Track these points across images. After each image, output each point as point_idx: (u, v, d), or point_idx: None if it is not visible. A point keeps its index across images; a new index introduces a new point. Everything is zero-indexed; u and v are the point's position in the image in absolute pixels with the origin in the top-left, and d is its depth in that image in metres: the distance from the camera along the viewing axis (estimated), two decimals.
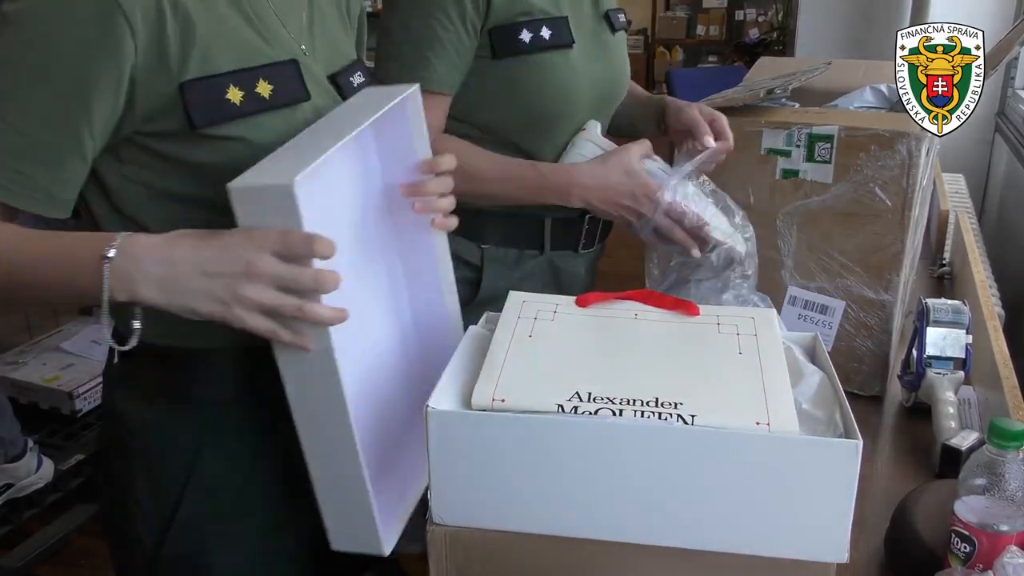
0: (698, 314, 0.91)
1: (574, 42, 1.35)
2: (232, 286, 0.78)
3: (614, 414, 0.76)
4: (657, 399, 0.77)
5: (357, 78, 1.05)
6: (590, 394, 0.78)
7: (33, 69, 0.81)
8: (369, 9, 4.24)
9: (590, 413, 0.77)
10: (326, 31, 1.03)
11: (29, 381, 2.74)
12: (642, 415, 0.76)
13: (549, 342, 0.87)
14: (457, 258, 1.46)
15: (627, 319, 0.91)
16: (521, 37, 1.31)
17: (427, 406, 0.80)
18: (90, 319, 2.95)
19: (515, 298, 0.96)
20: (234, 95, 0.87)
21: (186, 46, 0.85)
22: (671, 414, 0.76)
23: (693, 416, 0.76)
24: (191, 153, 0.88)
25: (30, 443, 2.45)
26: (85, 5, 0.80)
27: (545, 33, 1.32)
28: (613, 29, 1.45)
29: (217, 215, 0.91)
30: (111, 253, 0.79)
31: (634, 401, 0.77)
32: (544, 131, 1.38)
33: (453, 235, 1.23)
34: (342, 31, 1.08)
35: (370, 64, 1.18)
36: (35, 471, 2.45)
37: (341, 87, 1.01)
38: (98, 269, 0.79)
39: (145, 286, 0.79)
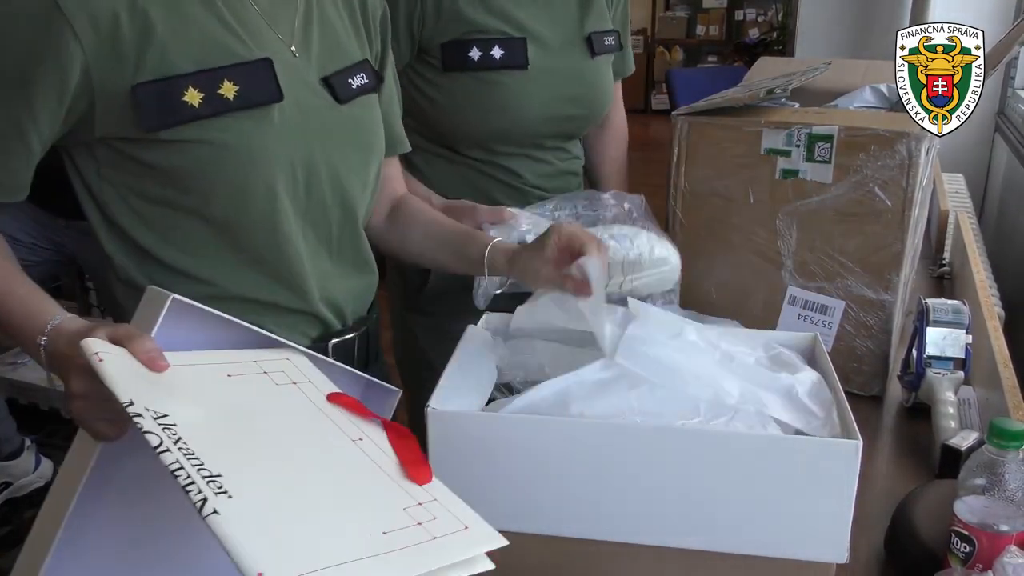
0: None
1: (528, 64, 1.35)
2: (66, 396, 0.77)
3: None
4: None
5: (358, 79, 1.02)
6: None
7: None
8: None
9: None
10: (325, 31, 1.01)
11: (29, 382, 2.75)
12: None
13: None
14: None
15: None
16: (470, 55, 1.32)
17: (428, 406, 0.80)
18: (92, 318, 2.94)
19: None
20: (192, 97, 0.86)
21: (142, 48, 0.84)
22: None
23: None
24: (155, 156, 0.88)
25: (27, 442, 2.45)
26: (27, 9, 0.81)
27: (496, 53, 1.33)
28: (593, 52, 1.44)
29: (193, 219, 0.92)
30: (42, 341, 0.80)
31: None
32: (494, 145, 1.40)
33: None
34: (348, 31, 1.05)
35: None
36: (33, 470, 2.46)
37: (334, 88, 0.99)
38: (38, 353, 0.80)
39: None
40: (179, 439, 0.63)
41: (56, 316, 0.81)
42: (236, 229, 0.93)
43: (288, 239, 0.96)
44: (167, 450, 0.62)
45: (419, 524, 0.65)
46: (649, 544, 0.80)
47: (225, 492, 0.60)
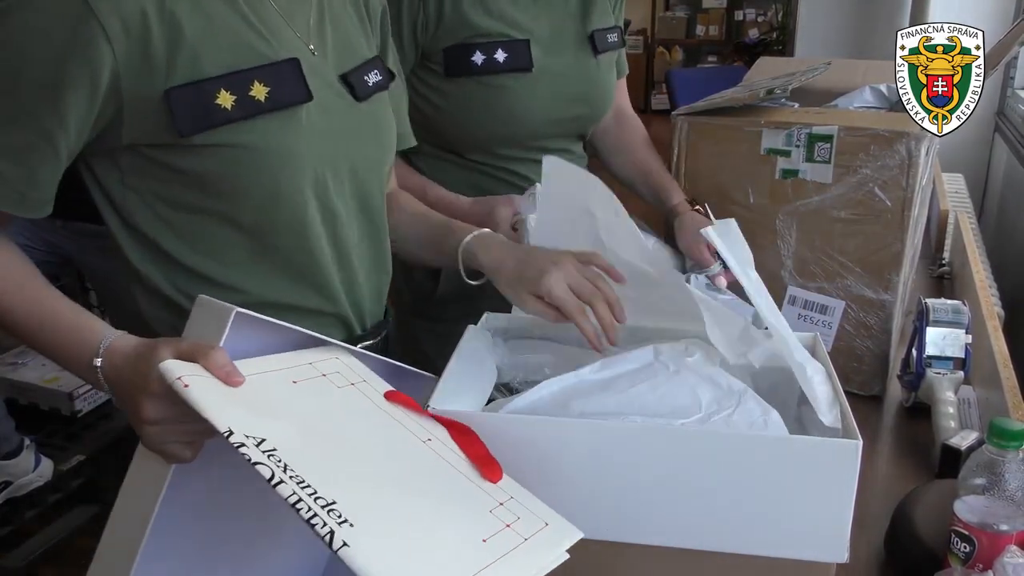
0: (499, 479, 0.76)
1: (532, 66, 1.34)
2: (135, 423, 0.75)
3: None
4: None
5: (373, 76, 1.02)
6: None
7: (5, 69, 0.79)
8: None
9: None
10: (337, 28, 1.00)
11: (29, 382, 2.74)
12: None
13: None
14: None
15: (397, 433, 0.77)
16: (473, 59, 1.31)
17: (428, 406, 0.80)
18: None
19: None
20: (225, 100, 0.84)
21: (172, 51, 0.82)
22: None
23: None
24: (186, 162, 0.86)
25: (27, 441, 2.44)
26: (59, 9, 0.79)
27: (500, 56, 1.32)
28: (596, 51, 1.44)
29: (222, 224, 0.91)
30: (98, 363, 0.79)
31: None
32: (499, 148, 1.39)
33: None
34: (357, 28, 1.04)
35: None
36: (33, 470, 2.45)
37: (353, 86, 0.98)
38: (94, 375, 0.79)
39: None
40: (285, 466, 0.64)
41: (107, 335, 0.79)
42: (265, 233, 0.92)
43: (316, 241, 0.95)
44: (281, 482, 0.62)
45: (508, 526, 0.69)
46: (649, 544, 0.80)
47: (346, 521, 0.61)
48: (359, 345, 1.02)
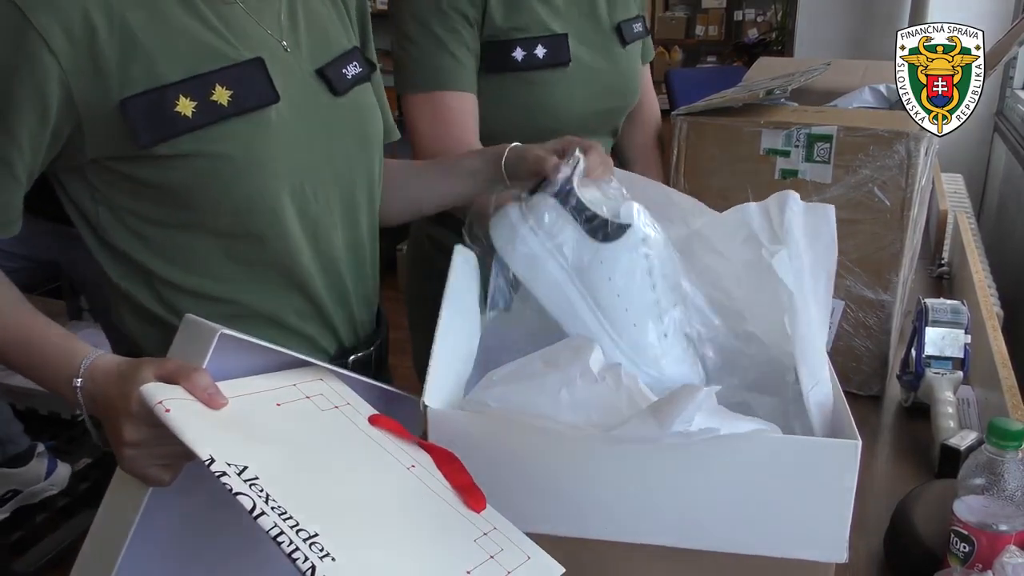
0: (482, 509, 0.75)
1: (571, 60, 1.33)
2: (114, 444, 0.74)
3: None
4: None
5: (352, 68, 0.98)
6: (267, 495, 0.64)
7: None
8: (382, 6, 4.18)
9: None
10: (312, 21, 0.97)
11: (26, 386, 2.72)
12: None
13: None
14: (447, 251, 1.46)
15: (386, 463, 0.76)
16: (514, 55, 1.29)
17: (426, 405, 0.80)
18: (83, 323, 2.92)
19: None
20: (185, 107, 0.81)
21: (126, 59, 0.79)
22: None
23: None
24: (151, 174, 0.83)
25: (39, 447, 2.41)
26: None
27: (540, 52, 1.30)
28: (624, 42, 1.43)
29: (198, 237, 0.88)
30: (77, 383, 0.78)
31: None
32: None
33: (443, 228, 1.17)
34: (333, 20, 1.01)
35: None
36: (45, 477, 2.41)
37: (331, 80, 0.95)
38: (74, 395, 0.79)
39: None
40: (268, 496, 0.63)
41: (88, 355, 0.79)
42: (243, 244, 0.89)
43: (298, 249, 0.92)
44: (263, 513, 0.61)
45: (492, 557, 0.68)
46: (648, 543, 0.80)
47: (328, 555, 0.60)
48: (352, 356, 1.01)
